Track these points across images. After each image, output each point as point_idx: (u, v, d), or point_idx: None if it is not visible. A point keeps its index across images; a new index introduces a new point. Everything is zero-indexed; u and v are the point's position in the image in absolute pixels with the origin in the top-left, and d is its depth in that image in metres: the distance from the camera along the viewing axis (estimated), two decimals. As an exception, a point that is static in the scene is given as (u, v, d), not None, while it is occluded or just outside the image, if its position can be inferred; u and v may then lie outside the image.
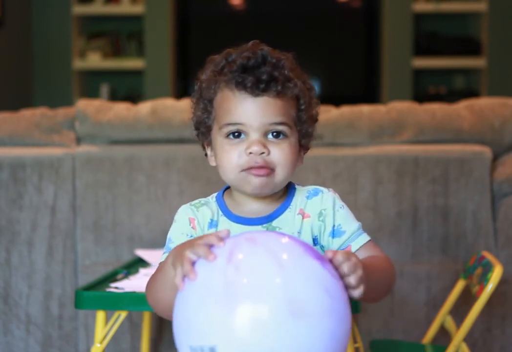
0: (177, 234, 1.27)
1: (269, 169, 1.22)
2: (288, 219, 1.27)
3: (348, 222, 1.28)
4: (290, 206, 1.28)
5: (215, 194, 1.32)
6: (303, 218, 1.27)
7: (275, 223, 1.26)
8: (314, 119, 1.30)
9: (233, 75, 1.21)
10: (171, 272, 1.11)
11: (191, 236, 1.26)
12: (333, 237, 1.27)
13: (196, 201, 1.31)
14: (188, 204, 1.31)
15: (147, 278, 1.72)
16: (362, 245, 1.26)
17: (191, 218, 1.28)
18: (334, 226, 1.27)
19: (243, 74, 1.21)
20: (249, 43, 1.27)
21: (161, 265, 1.19)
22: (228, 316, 0.99)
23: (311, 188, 1.30)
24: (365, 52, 5.59)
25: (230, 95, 1.22)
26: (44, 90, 5.40)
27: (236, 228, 1.25)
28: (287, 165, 1.23)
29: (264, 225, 1.26)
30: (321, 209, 1.27)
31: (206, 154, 1.33)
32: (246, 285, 1.00)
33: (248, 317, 0.98)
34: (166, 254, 1.23)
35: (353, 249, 1.25)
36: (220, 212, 1.28)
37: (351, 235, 1.27)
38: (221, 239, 1.06)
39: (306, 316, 0.99)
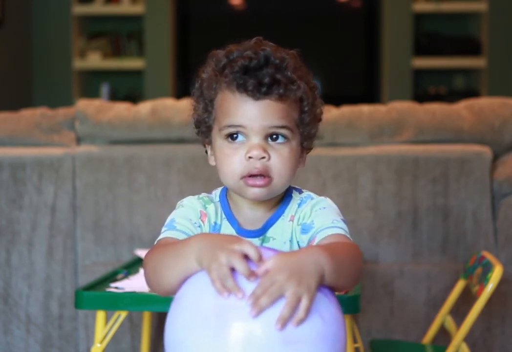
0: (182, 218, 1.23)
1: (267, 178, 1.19)
2: (281, 228, 1.25)
3: (322, 219, 1.22)
4: (284, 214, 1.26)
5: (218, 192, 1.30)
6: (292, 224, 1.25)
7: (269, 232, 1.25)
8: (317, 119, 1.27)
9: (234, 76, 1.18)
10: (190, 264, 1.05)
11: (199, 226, 1.24)
12: (302, 233, 1.23)
13: (203, 195, 1.29)
14: (196, 197, 1.28)
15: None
16: (328, 236, 1.18)
17: (202, 211, 1.25)
18: (306, 223, 1.23)
19: (244, 76, 1.18)
20: (252, 40, 1.23)
21: (172, 246, 1.11)
22: (217, 343, 0.97)
23: (305, 195, 1.28)
24: (365, 52, 5.59)
25: (230, 97, 1.20)
26: (44, 90, 5.40)
27: None
28: (286, 174, 1.21)
29: (260, 237, 1.25)
30: (301, 214, 1.25)
31: (206, 152, 1.31)
32: (237, 310, 0.98)
33: (239, 345, 0.96)
34: (168, 232, 1.21)
35: (317, 240, 1.19)
36: (224, 215, 1.27)
37: (319, 228, 1.20)
38: (260, 256, 1.01)
39: (299, 343, 0.97)
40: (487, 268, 1.72)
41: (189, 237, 1.14)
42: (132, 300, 1.57)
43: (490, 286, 1.65)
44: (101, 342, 1.59)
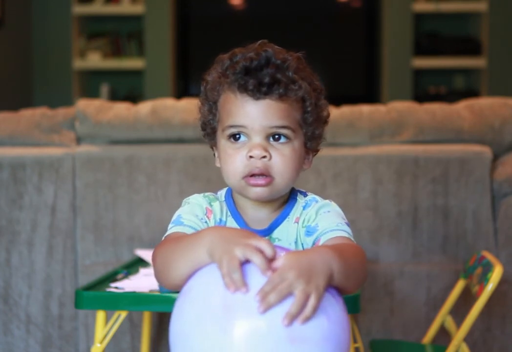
0: (189, 214, 1.24)
1: (268, 178, 1.20)
2: (286, 229, 1.26)
3: (327, 222, 1.23)
4: (289, 216, 1.27)
5: (223, 192, 1.31)
6: (298, 226, 1.26)
7: (275, 233, 1.26)
8: (322, 121, 1.28)
9: (235, 77, 1.20)
10: (201, 255, 1.05)
11: (206, 222, 1.24)
12: (307, 235, 1.24)
13: (208, 194, 1.30)
14: (201, 195, 1.29)
15: (147, 278, 1.72)
16: (332, 238, 1.20)
17: (208, 208, 1.26)
18: (311, 226, 1.24)
19: (245, 77, 1.19)
20: (257, 42, 1.24)
21: (183, 238, 1.12)
22: (224, 336, 0.97)
23: (310, 198, 1.29)
24: (365, 52, 5.59)
25: (232, 98, 1.21)
26: (44, 90, 5.40)
27: None
28: (287, 173, 1.21)
29: (266, 237, 1.25)
30: (306, 216, 1.26)
31: (215, 154, 1.32)
32: (245, 305, 0.98)
33: (245, 340, 0.97)
34: (176, 227, 1.21)
35: (321, 242, 1.20)
36: (229, 213, 1.28)
37: (324, 231, 1.21)
38: (275, 255, 1.01)
39: (305, 341, 0.98)
40: (487, 268, 1.72)
41: (201, 229, 1.14)
42: (132, 300, 1.57)
43: (490, 286, 1.65)
44: (101, 342, 1.59)
